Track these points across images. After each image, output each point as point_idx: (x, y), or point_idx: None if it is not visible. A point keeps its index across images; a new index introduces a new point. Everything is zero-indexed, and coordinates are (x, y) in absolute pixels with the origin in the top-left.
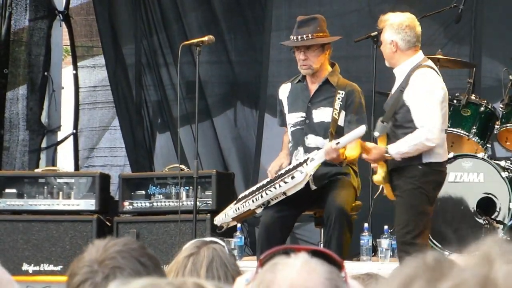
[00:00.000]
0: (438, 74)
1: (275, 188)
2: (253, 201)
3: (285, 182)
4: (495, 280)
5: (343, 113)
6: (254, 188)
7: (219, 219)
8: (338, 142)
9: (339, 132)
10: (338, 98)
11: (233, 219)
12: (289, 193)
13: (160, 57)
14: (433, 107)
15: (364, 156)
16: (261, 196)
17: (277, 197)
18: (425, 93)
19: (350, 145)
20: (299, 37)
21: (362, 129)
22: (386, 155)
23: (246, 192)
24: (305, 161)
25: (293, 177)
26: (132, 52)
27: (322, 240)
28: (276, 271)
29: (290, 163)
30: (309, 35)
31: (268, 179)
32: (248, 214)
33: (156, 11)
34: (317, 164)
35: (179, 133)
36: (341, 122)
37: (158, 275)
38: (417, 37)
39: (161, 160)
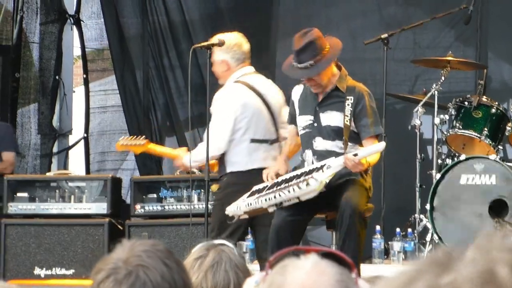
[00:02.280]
0: (254, 88)
1: (289, 191)
2: (266, 200)
3: (299, 188)
4: (498, 274)
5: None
6: (268, 183)
7: (231, 210)
8: (356, 154)
9: (352, 137)
10: (348, 104)
11: (245, 212)
12: (302, 199)
13: (166, 59)
14: (218, 122)
15: None
16: (274, 197)
17: (290, 200)
18: (216, 108)
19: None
20: (300, 65)
21: (382, 145)
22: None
23: (260, 186)
24: (321, 167)
25: (308, 184)
26: (140, 55)
27: (334, 243)
28: (285, 273)
29: (291, 169)
30: (312, 62)
31: (284, 178)
32: (260, 211)
33: (162, 13)
34: (333, 172)
35: (189, 136)
36: (353, 127)
37: (181, 278)
38: (245, 54)
39: (168, 163)
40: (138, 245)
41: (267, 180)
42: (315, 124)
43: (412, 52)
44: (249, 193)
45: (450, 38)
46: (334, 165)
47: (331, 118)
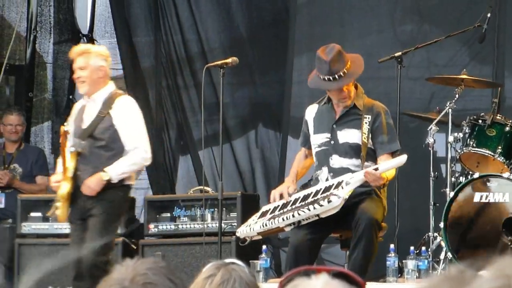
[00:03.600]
0: None
1: (308, 209)
2: (283, 219)
3: (320, 205)
4: None
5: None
6: (278, 203)
7: (242, 232)
8: (377, 169)
9: (369, 154)
10: (366, 122)
11: (259, 233)
12: (322, 216)
13: (180, 79)
14: (143, 130)
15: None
16: (293, 216)
17: (309, 218)
18: (135, 117)
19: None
20: (336, 76)
21: (403, 158)
22: (105, 177)
23: (271, 206)
24: (339, 183)
25: (329, 201)
26: (153, 74)
27: (347, 262)
28: None
29: (298, 189)
30: (344, 70)
31: (298, 196)
32: (276, 231)
33: (177, 32)
34: (353, 188)
35: (203, 155)
36: (370, 145)
37: None
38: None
39: (181, 182)
40: (140, 263)
41: (275, 200)
42: (332, 142)
43: (427, 71)
44: (259, 213)
45: (467, 56)
46: (353, 181)
47: (349, 136)
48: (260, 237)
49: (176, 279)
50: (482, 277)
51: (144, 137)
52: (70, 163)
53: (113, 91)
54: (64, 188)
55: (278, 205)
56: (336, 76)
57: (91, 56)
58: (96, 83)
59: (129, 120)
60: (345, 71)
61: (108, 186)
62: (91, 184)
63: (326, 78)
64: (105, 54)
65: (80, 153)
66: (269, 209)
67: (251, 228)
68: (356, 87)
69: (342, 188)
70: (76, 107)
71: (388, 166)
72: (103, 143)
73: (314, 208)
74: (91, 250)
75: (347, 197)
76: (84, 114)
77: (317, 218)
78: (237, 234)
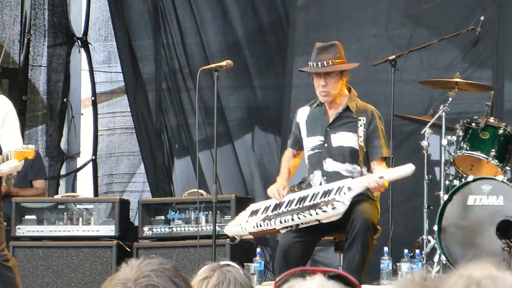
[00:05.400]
0: None
1: (310, 214)
2: (280, 222)
3: (324, 211)
4: None
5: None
6: (270, 203)
7: (232, 230)
8: (382, 177)
9: (365, 159)
10: (361, 125)
11: (251, 233)
12: (323, 221)
13: (181, 81)
14: (20, 134)
15: None
16: (292, 219)
17: (309, 223)
18: (15, 121)
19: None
20: (319, 63)
21: (410, 168)
22: None
23: (261, 205)
24: (340, 188)
25: (334, 208)
26: (153, 77)
27: (341, 265)
28: None
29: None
30: (330, 61)
31: (293, 198)
32: (270, 232)
33: (177, 36)
34: (355, 194)
35: (198, 157)
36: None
37: None
38: None
39: (180, 184)
40: (145, 264)
41: (276, 197)
42: (326, 145)
43: (427, 74)
44: (249, 212)
45: (467, 60)
46: (356, 187)
47: (344, 139)
48: (251, 236)
49: (180, 282)
50: (448, 282)
51: (21, 141)
52: None
53: None
54: None
55: (270, 205)
56: (319, 64)
57: None
58: None
59: (10, 123)
60: (330, 62)
61: None
62: None
63: (311, 64)
64: None
65: None
66: (259, 208)
67: (242, 227)
68: (349, 90)
69: (345, 193)
70: None
71: (394, 175)
72: None
73: (317, 213)
74: None
75: (349, 203)
76: None
77: (317, 223)
78: (225, 232)
